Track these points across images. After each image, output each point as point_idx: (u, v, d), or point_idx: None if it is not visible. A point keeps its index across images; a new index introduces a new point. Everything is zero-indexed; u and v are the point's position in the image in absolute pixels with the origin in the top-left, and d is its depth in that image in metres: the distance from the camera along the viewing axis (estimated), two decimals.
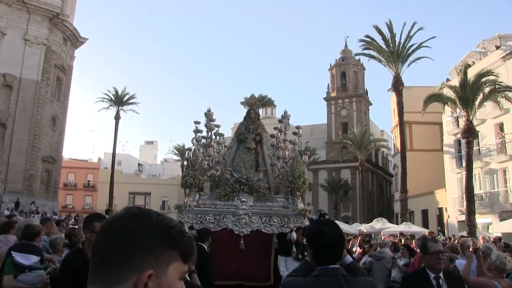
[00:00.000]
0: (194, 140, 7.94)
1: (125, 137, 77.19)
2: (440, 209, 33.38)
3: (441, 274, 3.63)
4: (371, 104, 55.46)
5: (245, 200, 7.38)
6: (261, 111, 54.78)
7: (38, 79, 33.06)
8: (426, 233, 11.17)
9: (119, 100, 41.97)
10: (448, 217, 31.48)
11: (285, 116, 8.87)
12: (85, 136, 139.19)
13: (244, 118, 8.78)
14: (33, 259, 4.27)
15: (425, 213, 35.52)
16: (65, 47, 36.92)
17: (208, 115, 8.20)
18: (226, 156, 8.45)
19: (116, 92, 42.17)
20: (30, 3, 32.74)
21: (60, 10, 34.74)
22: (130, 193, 55.55)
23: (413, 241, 11.00)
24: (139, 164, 68.36)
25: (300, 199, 7.61)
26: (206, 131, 8.09)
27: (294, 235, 6.90)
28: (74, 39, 37.98)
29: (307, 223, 7.01)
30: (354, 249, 12.37)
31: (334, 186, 47.19)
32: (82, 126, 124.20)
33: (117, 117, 41.78)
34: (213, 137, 8.23)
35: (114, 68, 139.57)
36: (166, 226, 0.99)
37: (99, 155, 62.01)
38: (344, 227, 27.20)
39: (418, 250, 8.90)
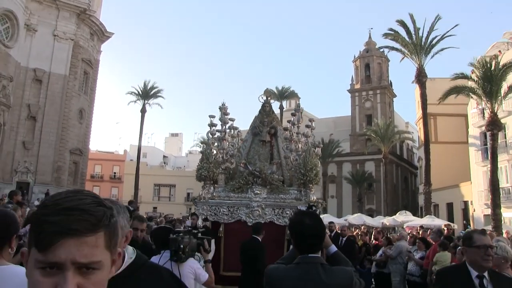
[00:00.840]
0: (209, 133, 8.04)
1: (150, 130, 79.07)
2: (466, 203, 32.79)
3: (486, 274, 3.02)
4: (395, 96, 54.67)
5: (258, 192, 7.48)
6: (285, 103, 54.70)
7: (66, 73, 34.05)
8: (442, 226, 11.06)
9: (145, 94, 42.78)
10: (474, 210, 30.91)
11: (298, 110, 8.82)
12: (112, 128, 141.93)
13: (259, 111, 8.86)
14: None
15: (450, 206, 34.96)
16: (92, 41, 37.80)
17: (223, 109, 8.28)
18: (242, 149, 8.53)
19: (145, 86, 43.00)
20: (59, 0, 33.67)
21: (87, 5, 35.60)
22: (155, 185, 56.54)
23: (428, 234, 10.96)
24: (164, 156, 69.39)
25: (313, 191, 7.64)
26: (221, 124, 8.19)
27: None
28: (101, 34, 38.84)
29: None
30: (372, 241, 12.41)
31: (358, 178, 46.93)
32: (108, 118, 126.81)
33: (143, 111, 42.61)
34: (228, 130, 8.31)
35: (139, 61, 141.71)
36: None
37: (125, 147, 63.34)
38: (366, 219, 27.26)
39: (434, 243, 8.95)
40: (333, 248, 2.76)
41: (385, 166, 42.60)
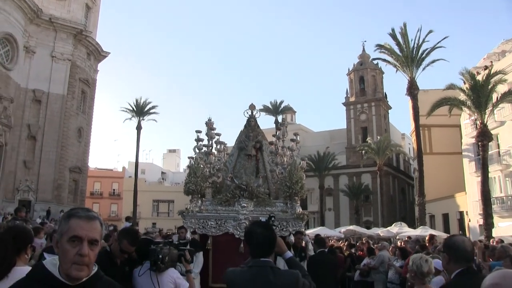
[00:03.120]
0: (196, 148, 8.22)
1: (148, 146, 79.39)
2: (461, 213, 33.03)
3: None
4: (390, 108, 55.20)
5: (245, 205, 7.66)
6: (280, 118, 55.25)
7: (64, 93, 34.72)
8: (427, 237, 11.44)
9: (140, 111, 43.45)
10: (469, 221, 31.15)
11: (283, 124, 9.03)
12: (110, 145, 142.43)
13: (245, 126, 8.96)
14: None
15: (446, 217, 35.19)
16: (89, 61, 38.57)
17: (209, 124, 8.44)
18: (228, 163, 8.70)
19: (137, 103, 43.71)
20: (56, 22, 34.51)
21: (83, 26, 36.43)
22: (154, 201, 56.82)
23: (404, 244, 11.47)
24: (162, 172, 69.66)
25: (299, 204, 7.79)
26: (207, 139, 8.34)
27: (292, 238, 7.21)
28: (97, 54, 39.63)
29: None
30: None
31: (354, 191, 47.22)
32: (107, 136, 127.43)
33: (138, 128, 43.24)
34: (214, 145, 8.52)
35: (136, 78, 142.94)
36: None
37: (124, 164, 63.68)
38: (360, 231, 27.61)
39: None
40: (288, 254, 3.20)
41: (381, 178, 42.95)
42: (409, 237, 15.77)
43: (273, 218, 3.62)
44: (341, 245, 13.12)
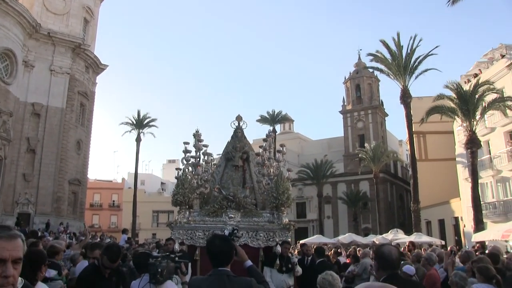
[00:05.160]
0: (184, 159, 8.23)
1: (148, 157, 79.50)
2: (456, 219, 33.25)
3: None
4: (387, 115, 55.59)
5: (232, 216, 7.74)
6: (278, 127, 55.66)
7: (63, 106, 35.16)
8: (407, 243, 11.80)
9: (139, 124, 43.94)
10: (464, 226, 31.35)
11: (269, 135, 9.28)
12: (109, 157, 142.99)
13: (232, 137, 9.05)
14: (52, 273, 5.33)
15: (442, 223, 35.42)
16: (87, 74, 39.07)
17: (197, 135, 8.61)
18: (215, 174, 8.79)
19: (138, 116, 44.24)
20: (55, 36, 35.06)
21: (81, 40, 36.98)
22: (153, 212, 56.93)
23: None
24: (162, 183, 69.88)
25: (285, 214, 7.95)
26: (195, 151, 8.49)
27: (279, 248, 7.31)
28: (96, 67, 40.15)
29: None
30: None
31: (352, 198, 47.50)
32: (106, 147, 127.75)
33: (138, 140, 43.70)
34: (202, 156, 8.63)
35: (134, 90, 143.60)
36: None
37: (123, 176, 63.94)
38: (356, 238, 27.89)
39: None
40: (248, 263, 3.50)
41: (377, 185, 43.21)
42: (397, 244, 16.06)
43: (235, 231, 3.93)
44: (328, 254, 13.45)
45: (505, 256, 8.62)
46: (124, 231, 19.09)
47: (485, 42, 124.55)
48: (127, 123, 43.89)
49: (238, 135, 9.09)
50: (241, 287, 3.02)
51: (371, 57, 32.21)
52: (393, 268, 3.27)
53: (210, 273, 3.11)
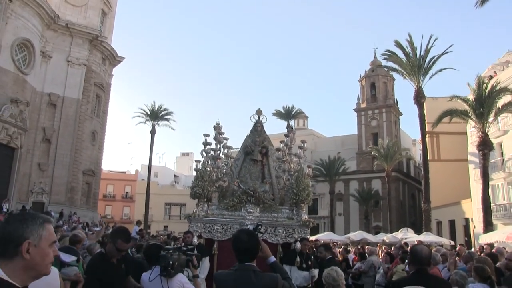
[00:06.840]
0: (204, 152, 8.18)
1: (162, 149, 79.74)
2: (467, 219, 33.04)
3: None
4: (401, 114, 55.24)
5: (251, 210, 7.68)
6: (292, 123, 55.52)
7: (79, 97, 35.45)
8: (402, 242, 11.83)
9: (154, 115, 44.15)
10: (474, 227, 31.12)
11: (291, 131, 9.11)
12: (124, 148, 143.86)
13: (251, 131, 8.95)
14: (71, 258, 5.53)
15: (452, 223, 35.21)
16: (104, 66, 39.32)
17: (217, 128, 8.55)
18: (233, 168, 8.70)
19: (153, 108, 44.47)
20: (73, 28, 35.33)
21: (99, 32, 37.20)
22: (166, 204, 57.19)
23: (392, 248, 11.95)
24: (175, 176, 70.15)
25: (304, 211, 7.88)
26: (215, 143, 8.38)
27: (298, 245, 7.23)
28: (112, 59, 40.39)
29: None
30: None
31: (364, 196, 47.33)
32: (120, 139, 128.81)
33: (152, 132, 43.92)
34: (222, 149, 8.58)
35: (150, 82, 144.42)
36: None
37: (137, 167, 64.32)
38: (367, 236, 27.84)
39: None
40: (272, 258, 3.48)
41: (388, 184, 43.07)
42: (405, 243, 16.00)
43: (259, 227, 3.92)
44: (337, 251, 13.72)
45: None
46: (138, 223, 19.28)
47: (500, 45, 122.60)
48: (141, 114, 44.12)
49: (257, 129, 8.98)
50: (267, 282, 3.02)
51: (383, 57, 32.15)
52: (422, 264, 3.80)
53: (235, 267, 3.10)
